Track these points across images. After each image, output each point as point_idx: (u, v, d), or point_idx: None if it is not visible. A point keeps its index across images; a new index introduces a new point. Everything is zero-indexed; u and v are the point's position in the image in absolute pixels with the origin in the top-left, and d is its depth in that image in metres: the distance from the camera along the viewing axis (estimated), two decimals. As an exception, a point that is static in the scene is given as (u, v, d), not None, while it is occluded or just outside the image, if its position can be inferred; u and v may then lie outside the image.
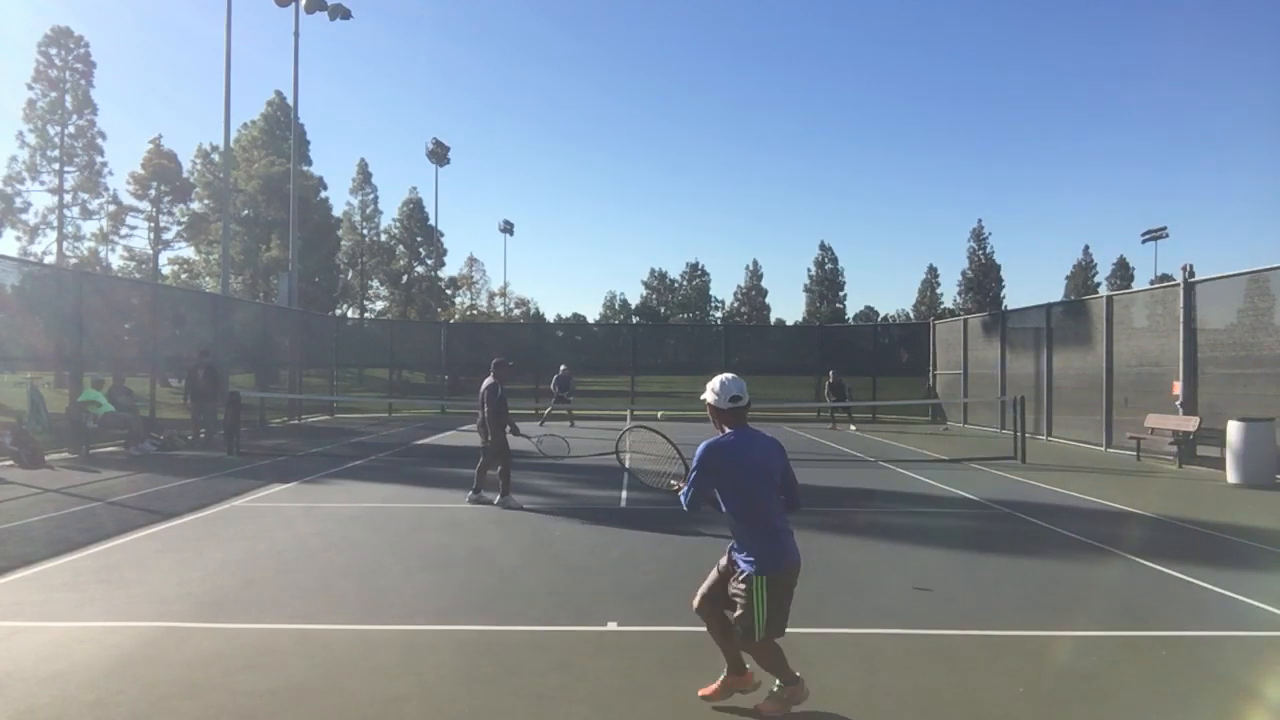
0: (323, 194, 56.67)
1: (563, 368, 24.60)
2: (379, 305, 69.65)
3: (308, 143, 56.19)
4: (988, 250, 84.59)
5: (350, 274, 65.10)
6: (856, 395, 26.78)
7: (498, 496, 10.41)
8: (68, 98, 46.53)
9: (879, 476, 13.87)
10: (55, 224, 46.78)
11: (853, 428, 24.12)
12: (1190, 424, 15.04)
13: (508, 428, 10.65)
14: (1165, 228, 68.76)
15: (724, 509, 4.15)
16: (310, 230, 50.11)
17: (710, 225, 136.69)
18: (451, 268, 76.89)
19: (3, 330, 16.33)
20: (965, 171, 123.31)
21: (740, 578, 4.09)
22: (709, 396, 4.17)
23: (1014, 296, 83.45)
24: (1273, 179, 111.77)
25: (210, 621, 5.65)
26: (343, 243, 63.04)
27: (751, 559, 4.05)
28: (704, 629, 4.31)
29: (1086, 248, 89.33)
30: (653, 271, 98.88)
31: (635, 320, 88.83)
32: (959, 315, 40.92)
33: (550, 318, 76.94)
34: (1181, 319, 15.57)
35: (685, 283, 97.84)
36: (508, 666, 4.86)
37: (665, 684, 4.63)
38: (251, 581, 6.71)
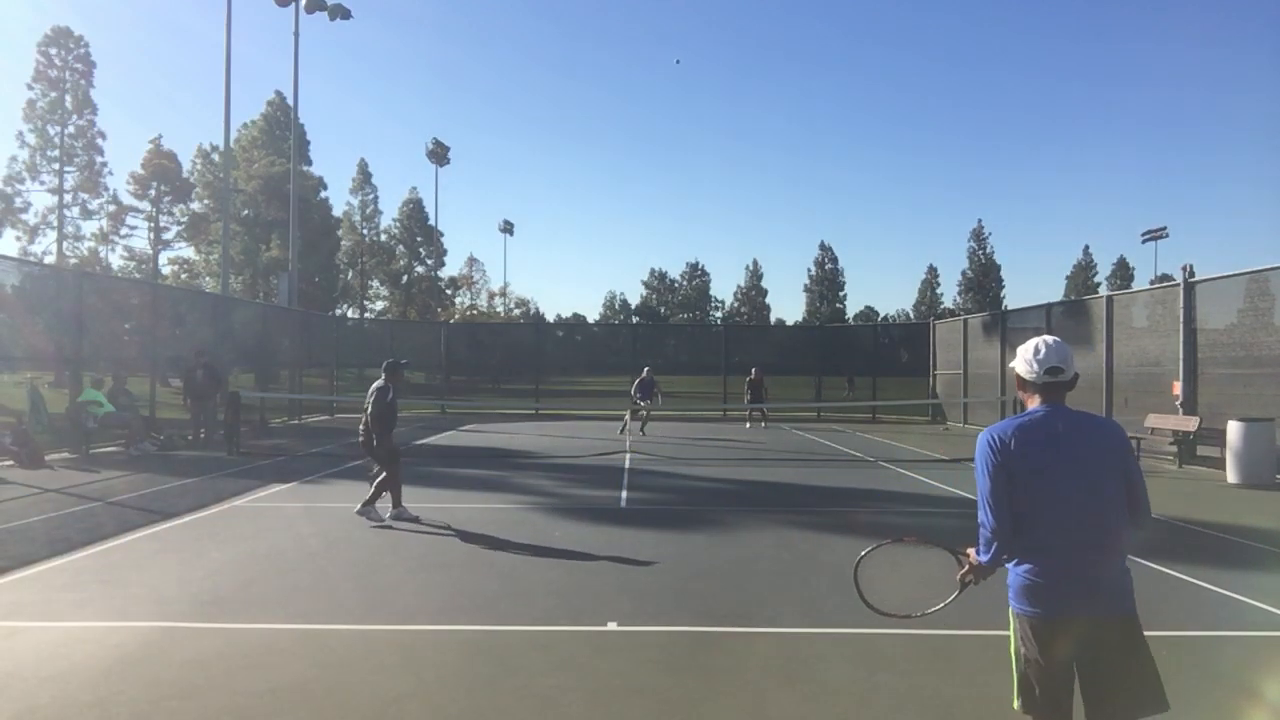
0: (323, 194, 56.80)
1: (645, 370, 22.15)
2: (379, 305, 69.76)
3: (308, 143, 56.28)
4: (988, 250, 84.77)
5: (350, 274, 65.16)
6: (774, 393, 26.96)
7: (389, 510, 9.31)
8: (68, 98, 46.58)
9: (879, 476, 13.87)
10: (55, 224, 46.85)
11: (748, 425, 24.49)
12: (1190, 424, 15.04)
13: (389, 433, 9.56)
14: (1165, 228, 68.95)
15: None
16: (310, 230, 50.12)
17: (710, 225, 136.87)
18: (451, 268, 77.02)
19: (3, 330, 16.34)
20: (965, 171, 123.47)
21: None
22: (1019, 367, 3.09)
23: (1014, 296, 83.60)
24: (1272, 179, 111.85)
25: (210, 621, 5.65)
26: (343, 243, 63.09)
27: (1010, 585, 3.02)
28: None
29: (1086, 248, 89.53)
30: (653, 271, 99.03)
31: (635, 320, 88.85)
32: (959, 315, 40.91)
33: (550, 318, 77.00)
34: (1181, 319, 15.56)
35: (685, 283, 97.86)
36: (508, 666, 4.86)
37: (665, 684, 4.63)
38: (251, 581, 6.71)
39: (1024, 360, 3.04)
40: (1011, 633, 3.03)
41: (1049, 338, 3.05)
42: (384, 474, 9.40)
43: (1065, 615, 2.85)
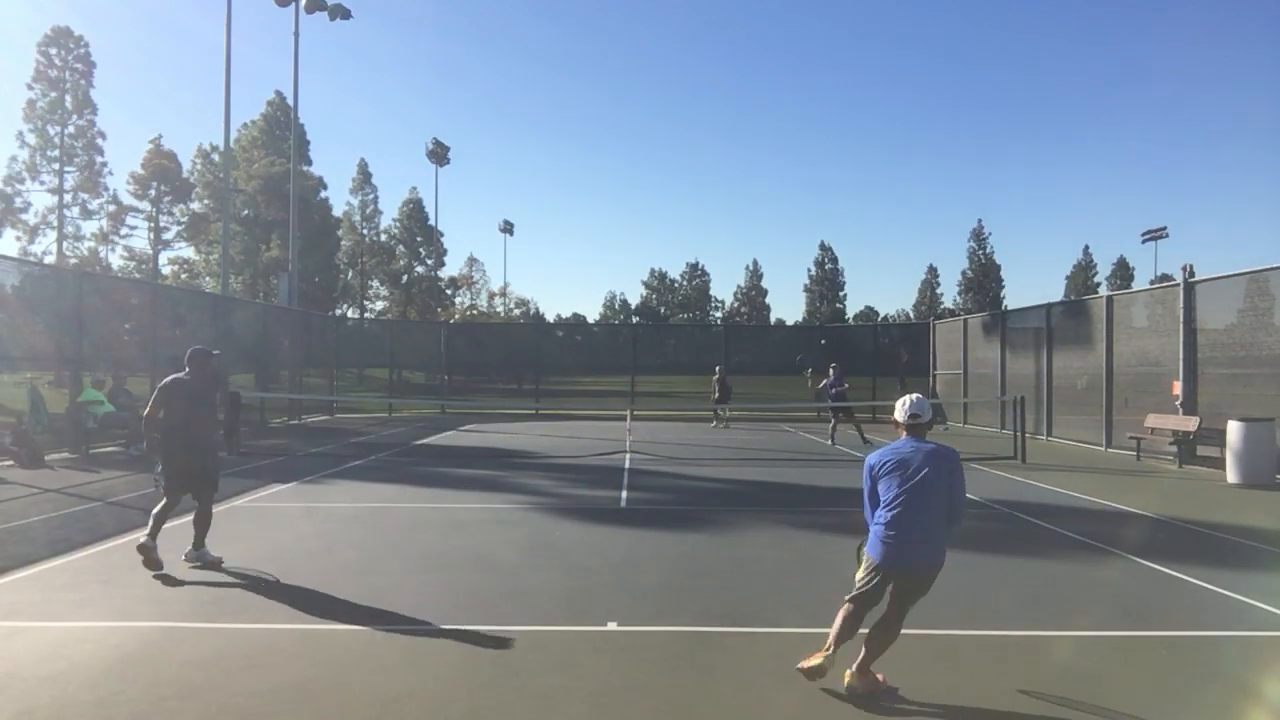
0: (323, 194, 56.75)
1: (832, 369, 19.38)
2: (379, 305, 69.73)
3: (308, 143, 56.26)
4: (988, 250, 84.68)
5: (350, 274, 65.12)
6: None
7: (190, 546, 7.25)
8: (68, 98, 46.63)
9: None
10: (55, 224, 46.90)
11: (714, 424, 24.56)
12: (1190, 424, 15.03)
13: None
14: (1165, 228, 68.81)
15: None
16: (310, 230, 50.11)
17: (710, 225, 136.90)
18: (451, 268, 76.94)
19: (3, 330, 16.32)
20: (965, 171, 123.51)
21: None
22: (896, 412, 4.81)
23: (1014, 296, 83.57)
24: (1273, 179, 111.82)
25: (210, 621, 5.65)
26: (343, 243, 63.05)
27: (870, 539, 4.61)
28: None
29: (1086, 248, 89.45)
30: (653, 271, 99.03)
31: (635, 320, 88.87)
32: (959, 315, 40.90)
33: (550, 318, 77.02)
34: (1181, 319, 15.56)
35: (685, 283, 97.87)
36: (508, 666, 4.86)
37: (665, 684, 4.64)
38: (251, 581, 6.71)
39: (898, 408, 4.78)
40: (861, 564, 4.65)
41: (914, 395, 4.83)
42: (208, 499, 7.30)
43: (896, 566, 4.49)
